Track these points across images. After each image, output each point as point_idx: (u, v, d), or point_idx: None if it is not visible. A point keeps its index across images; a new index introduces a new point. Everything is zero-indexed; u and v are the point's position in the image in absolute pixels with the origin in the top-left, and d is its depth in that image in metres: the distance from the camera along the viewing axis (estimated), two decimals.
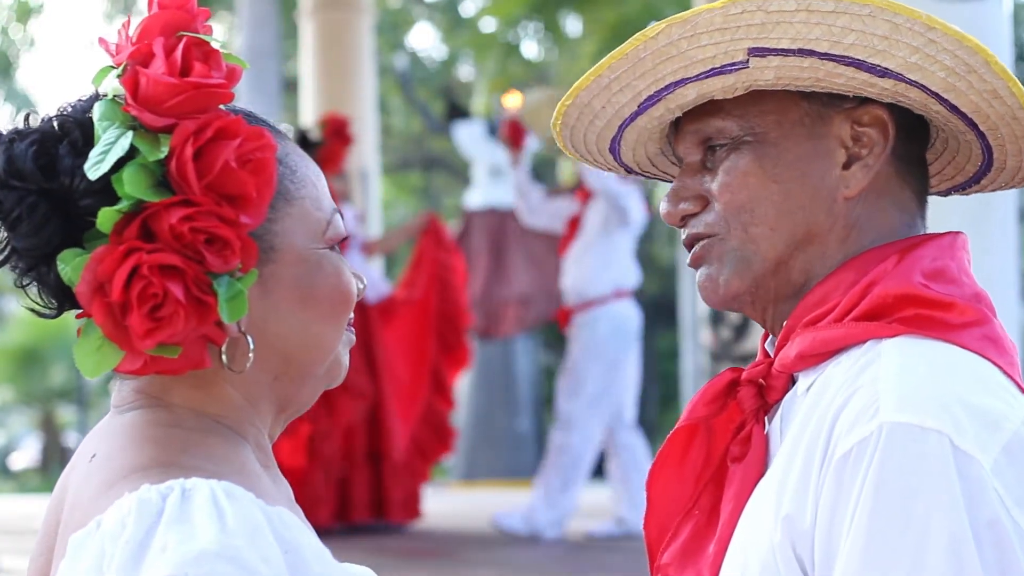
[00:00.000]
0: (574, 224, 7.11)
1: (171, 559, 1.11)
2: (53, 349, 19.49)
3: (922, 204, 1.52)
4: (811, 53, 1.40)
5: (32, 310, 1.28)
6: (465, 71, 20.58)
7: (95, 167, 1.20)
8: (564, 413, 6.86)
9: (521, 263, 10.43)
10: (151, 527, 1.13)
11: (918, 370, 1.33)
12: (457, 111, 16.01)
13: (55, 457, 20.60)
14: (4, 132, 1.25)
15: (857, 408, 1.32)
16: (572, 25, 16.74)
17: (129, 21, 1.27)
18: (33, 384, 20.43)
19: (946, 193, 1.61)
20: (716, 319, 8.31)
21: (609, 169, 1.62)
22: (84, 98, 1.29)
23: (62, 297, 1.26)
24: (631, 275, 7.01)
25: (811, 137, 1.46)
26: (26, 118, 1.27)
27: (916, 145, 1.51)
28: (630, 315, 6.96)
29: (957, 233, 1.48)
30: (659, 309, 17.82)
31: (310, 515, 1.41)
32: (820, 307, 1.43)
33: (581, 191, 7.10)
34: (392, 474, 6.99)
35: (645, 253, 18.16)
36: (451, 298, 7.43)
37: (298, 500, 1.37)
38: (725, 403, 1.49)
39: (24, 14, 20.04)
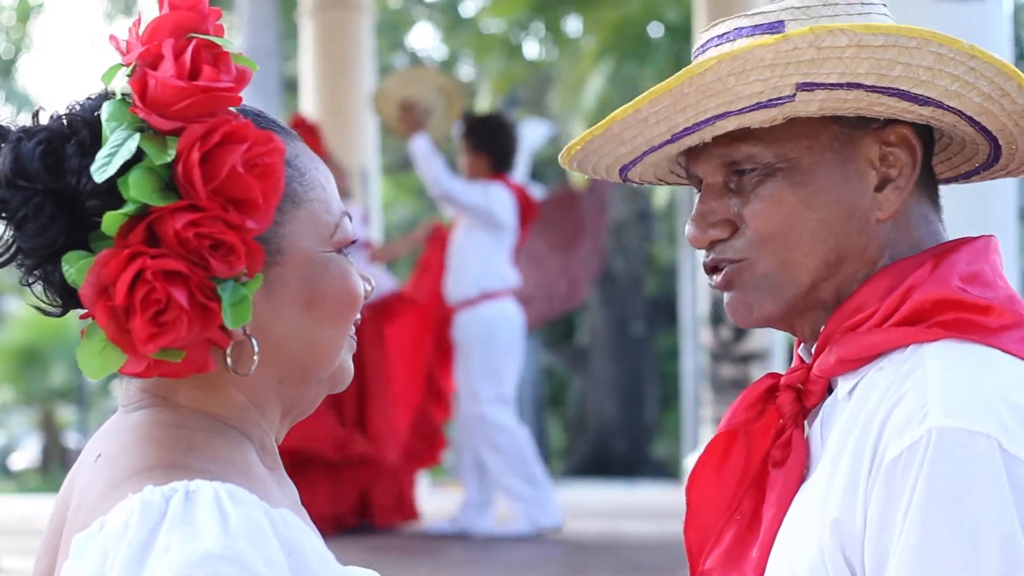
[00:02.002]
0: (525, 220, 7.04)
1: (174, 561, 1.11)
2: (53, 349, 19.50)
3: (938, 209, 1.54)
4: (858, 86, 1.41)
5: (37, 308, 1.27)
6: (466, 71, 20.57)
7: (101, 169, 1.19)
8: (467, 419, 6.74)
9: (521, 263, 10.44)
10: (154, 529, 1.13)
11: (963, 374, 1.35)
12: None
13: (55, 457, 20.61)
14: (12, 130, 1.24)
15: (905, 413, 1.34)
16: (573, 25, 16.73)
17: (140, 19, 1.25)
18: (33, 384, 20.44)
19: None
20: (716, 319, 8.30)
21: (602, 178, 1.61)
22: (93, 96, 1.27)
23: (67, 296, 1.24)
24: (503, 276, 6.82)
25: (842, 161, 1.47)
26: (35, 115, 1.26)
27: (928, 154, 1.53)
28: (503, 317, 6.78)
29: (990, 237, 1.51)
30: (659, 309, 17.80)
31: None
32: (858, 313, 1.45)
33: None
34: (382, 477, 6.93)
35: (645, 253, 18.15)
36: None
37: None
38: (764, 408, 1.51)
39: (24, 14, 20.05)
